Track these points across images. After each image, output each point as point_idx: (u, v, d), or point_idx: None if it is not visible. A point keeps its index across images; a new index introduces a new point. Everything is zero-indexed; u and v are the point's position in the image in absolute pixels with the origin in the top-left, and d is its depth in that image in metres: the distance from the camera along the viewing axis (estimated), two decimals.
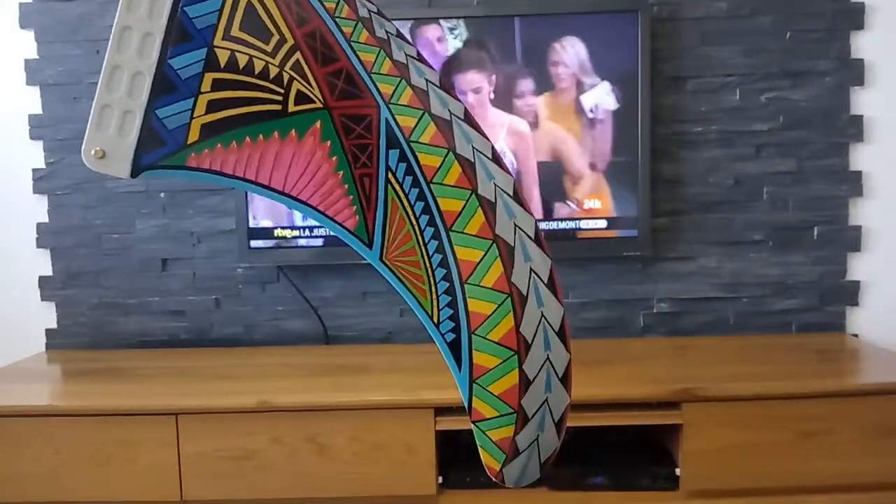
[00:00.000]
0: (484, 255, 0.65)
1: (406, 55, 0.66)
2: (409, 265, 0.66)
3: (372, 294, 1.87)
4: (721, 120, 1.83)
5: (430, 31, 1.72)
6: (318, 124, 0.64)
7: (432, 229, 0.65)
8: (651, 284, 1.87)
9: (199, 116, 0.63)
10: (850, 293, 1.86)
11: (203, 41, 0.63)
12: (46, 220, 1.90)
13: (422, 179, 0.65)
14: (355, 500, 1.44)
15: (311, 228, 1.75)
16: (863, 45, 1.82)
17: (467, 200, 0.65)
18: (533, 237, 0.67)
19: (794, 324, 1.87)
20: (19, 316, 1.92)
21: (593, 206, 1.76)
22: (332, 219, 0.65)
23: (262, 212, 1.77)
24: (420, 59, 0.66)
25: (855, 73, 1.82)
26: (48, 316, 1.93)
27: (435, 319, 0.66)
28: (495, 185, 0.65)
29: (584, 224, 1.76)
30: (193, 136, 0.63)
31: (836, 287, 1.86)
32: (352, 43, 0.65)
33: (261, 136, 0.64)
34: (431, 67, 0.67)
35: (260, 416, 1.43)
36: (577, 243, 1.77)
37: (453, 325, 0.66)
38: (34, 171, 1.89)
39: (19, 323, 1.92)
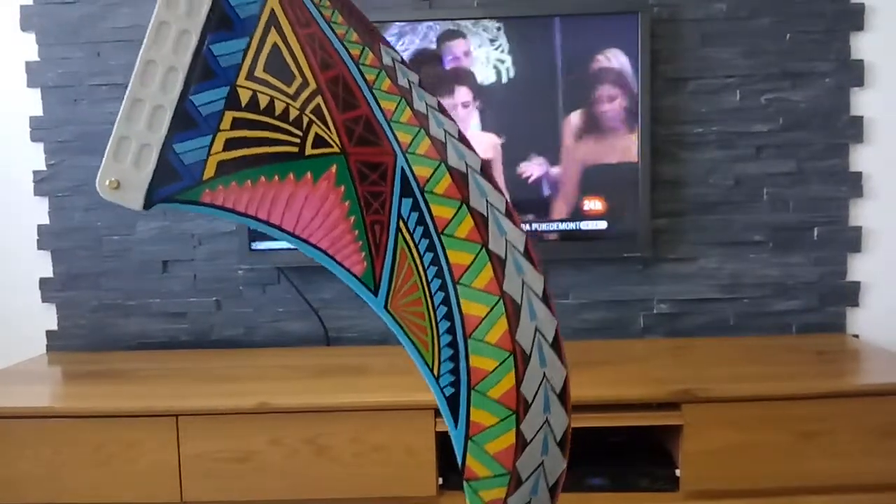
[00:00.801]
0: (490, 311, 0.65)
1: (427, 105, 0.66)
2: (414, 315, 0.65)
3: None
4: (721, 121, 1.83)
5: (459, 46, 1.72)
6: (333, 168, 0.64)
7: (440, 281, 0.65)
8: (651, 285, 1.87)
9: (216, 153, 0.63)
10: (851, 294, 1.86)
11: (226, 79, 0.63)
12: (47, 221, 1.90)
13: (433, 230, 0.65)
14: (355, 501, 1.44)
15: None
16: (863, 45, 1.82)
17: (477, 254, 0.65)
18: (540, 295, 0.66)
19: (794, 325, 1.87)
20: (20, 318, 1.92)
21: (593, 206, 1.76)
22: (340, 263, 0.65)
23: None
24: (441, 109, 0.67)
25: (855, 73, 1.82)
26: (49, 318, 1.93)
27: (435, 372, 0.66)
28: (506, 240, 0.65)
29: (584, 225, 1.76)
30: (209, 172, 0.63)
31: (837, 288, 1.86)
32: (374, 90, 0.65)
33: (276, 177, 0.64)
34: (451, 119, 0.67)
35: (260, 417, 1.43)
36: (577, 244, 1.77)
37: (453, 378, 0.65)
38: (35, 172, 1.89)
39: (20, 325, 1.92)
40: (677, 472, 1.43)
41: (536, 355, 0.65)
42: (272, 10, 0.63)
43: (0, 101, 1.89)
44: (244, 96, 0.63)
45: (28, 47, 1.87)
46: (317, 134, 0.64)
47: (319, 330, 1.89)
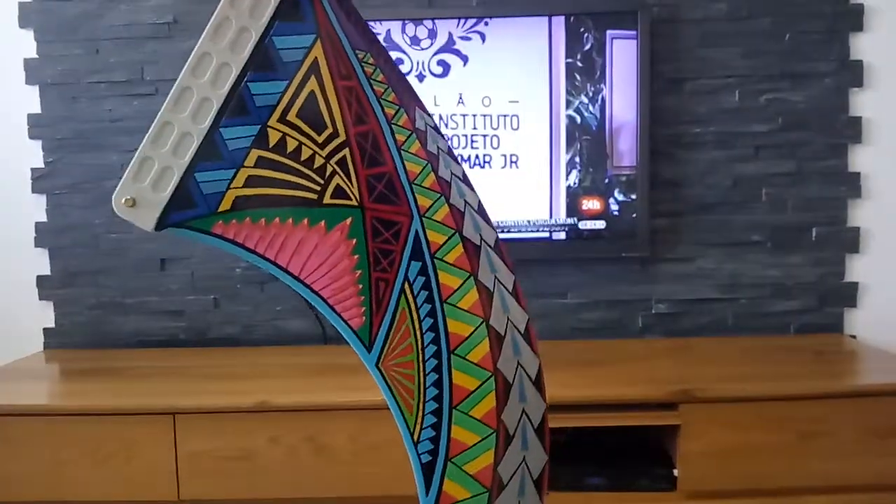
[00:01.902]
0: (480, 386, 0.65)
1: (452, 173, 0.67)
2: (403, 377, 0.66)
3: None
4: (720, 121, 1.83)
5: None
6: (348, 221, 0.64)
7: (434, 348, 0.65)
8: (650, 285, 1.87)
9: (235, 188, 0.63)
10: (849, 294, 1.86)
11: (258, 118, 0.63)
12: (45, 219, 1.90)
13: (436, 297, 0.65)
14: (354, 500, 1.44)
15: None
16: (862, 46, 1.82)
17: (477, 328, 0.65)
18: (533, 378, 0.66)
19: (793, 325, 1.87)
20: (17, 315, 1.91)
21: (592, 206, 1.76)
22: (338, 314, 0.65)
23: None
24: (464, 180, 0.67)
25: (854, 74, 1.82)
26: (46, 315, 1.92)
27: (415, 437, 0.66)
28: (508, 318, 0.66)
29: (583, 224, 1.76)
30: (225, 205, 0.64)
31: (835, 288, 1.86)
32: (402, 151, 0.65)
33: (290, 220, 0.64)
34: (473, 190, 0.67)
35: (258, 415, 1.42)
36: (576, 244, 1.77)
37: (432, 447, 0.66)
38: (33, 170, 1.89)
39: (17, 322, 1.91)
40: (675, 471, 1.43)
41: (519, 438, 0.65)
42: (316, 58, 0.64)
43: None
44: (273, 137, 0.63)
45: (27, 44, 1.86)
46: (338, 185, 0.64)
47: (317, 328, 1.89)
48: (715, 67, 1.82)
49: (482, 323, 0.65)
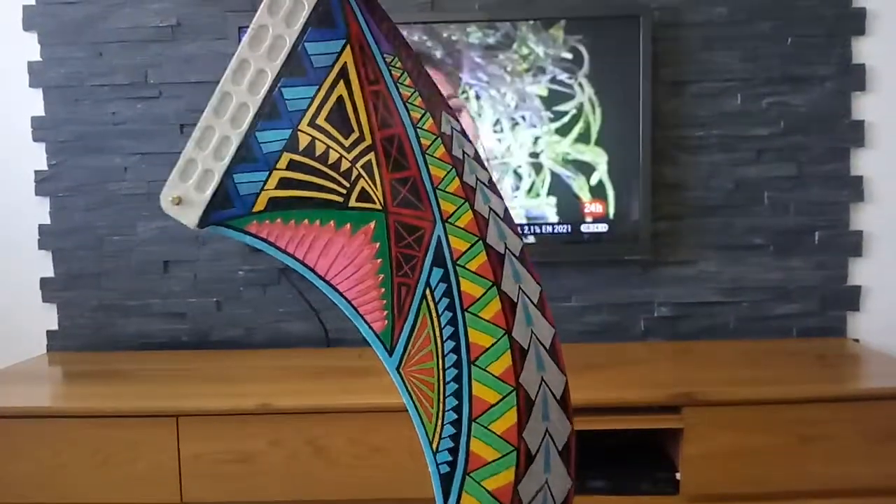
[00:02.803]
0: (501, 400, 0.63)
1: (477, 179, 0.66)
2: (423, 384, 0.65)
3: None
4: (722, 124, 1.83)
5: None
6: (372, 224, 0.65)
7: (455, 357, 0.64)
8: (652, 288, 1.87)
9: (269, 189, 0.66)
10: (851, 298, 1.86)
11: (290, 123, 0.65)
12: (48, 221, 1.90)
13: (458, 305, 0.64)
14: (355, 502, 1.44)
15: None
16: (864, 50, 1.82)
17: (498, 339, 0.63)
18: (559, 398, 0.64)
19: (795, 328, 1.87)
20: (20, 317, 1.92)
21: (594, 209, 1.76)
22: (362, 317, 0.66)
23: None
24: (490, 185, 0.66)
25: (856, 78, 1.82)
26: (49, 317, 1.93)
27: (434, 446, 0.65)
28: (532, 332, 0.64)
29: (585, 227, 1.76)
30: (259, 205, 0.66)
31: (837, 292, 1.86)
32: (427, 155, 0.65)
33: (318, 222, 0.66)
34: (500, 196, 0.66)
35: (260, 418, 1.43)
36: (578, 247, 1.77)
37: (450, 459, 0.65)
38: (36, 172, 1.89)
39: (20, 324, 1.92)
40: (678, 475, 1.43)
41: (542, 459, 0.63)
42: (345, 63, 0.65)
43: (2, 101, 1.89)
44: (303, 141, 0.65)
45: (30, 47, 1.87)
46: (363, 188, 0.65)
47: (320, 331, 1.89)
48: (716, 71, 1.82)
49: (504, 334, 0.63)
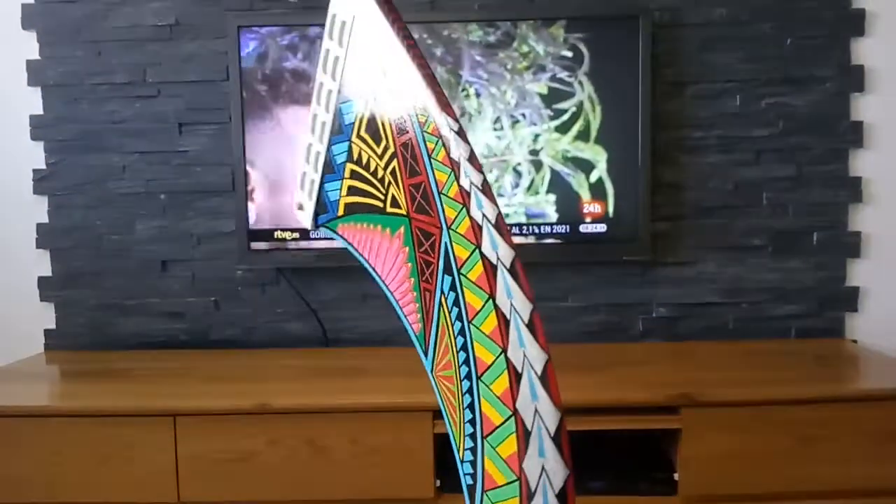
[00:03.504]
0: (503, 423, 0.60)
1: (471, 183, 0.63)
2: (448, 392, 0.64)
3: (371, 297, 1.87)
4: (721, 125, 1.83)
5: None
6: (402, 229, 0.68)
7: (466, 369, 0.62)
8: (650, 289, 1.87)
9: (343, 196, 0.73)
10: (850, 299, 1.86)
11: (347, 136, 0.71)
12: (46, 220, 1.90)
13: (465, 316, 0.62)
14: (353, 502, 1.44)
15: (311, 231, 1.75)
16: (863, 51, 1.82)
17: (497, 357, 0.60)
18: (553, 434, 0.58)
19: (794, 329, 1.87)
20: (18, 316, 1.92)
21: (593, 210, 1.76)
22: (406, 317, 0.68)
23: (262, 214, 1.77)
24: (483, 189, 0.63)
25: (855, 79, 1.82)
26: (47, 316, 1.92)
27: (460, 455, 0.64)
28: (525, 355, 0.59)
29: (584, 228, 1.76)
30: (341, 210, 0.75)
31: (836, 293, 1.86)
32: (432, 159, 0.66)
33: (370, 225, 0.71)
34: (493, 201, 0.63)
35: (258, 418, 1.42)
36: (576, 247, 1.77)
37: (472, 472, 0.63)
38: (35, 171, 1.89)
39: (18, 323, 1.91)
40: (676, 476, 1.43)
41: (541, 497, 0.59)
42: None
43: (1, 100, 1.89)
44: (355, 151, 0.71)
45: (29, 46, 1.87)
46: (393, 194, 0.69)
47: (318, 331, 1.89)
48: (716, 72, 1.82)
49: (502, 353, 0.60)
